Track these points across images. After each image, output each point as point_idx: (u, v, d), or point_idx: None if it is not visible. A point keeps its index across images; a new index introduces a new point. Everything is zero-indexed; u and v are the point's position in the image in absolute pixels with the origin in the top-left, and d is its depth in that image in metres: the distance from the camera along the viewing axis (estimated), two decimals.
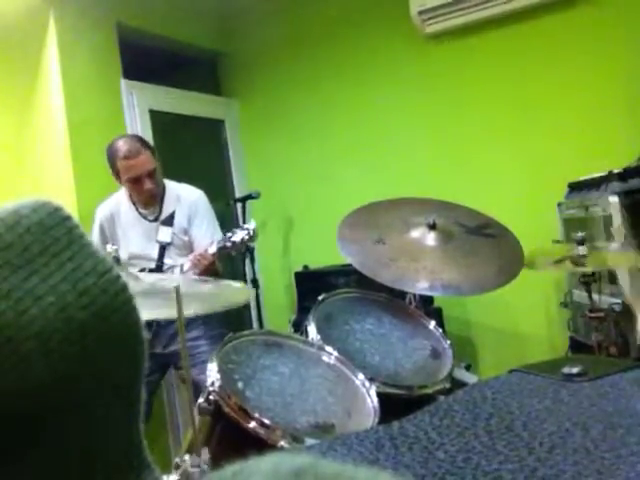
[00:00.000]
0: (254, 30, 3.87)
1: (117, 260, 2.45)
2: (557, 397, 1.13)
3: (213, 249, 2.34)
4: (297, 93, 3.78)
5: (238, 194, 3.75)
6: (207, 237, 2.51)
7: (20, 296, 0.38)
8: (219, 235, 2.53)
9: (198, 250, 2.43)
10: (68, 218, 0.43)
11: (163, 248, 2.53)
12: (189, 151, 3.83)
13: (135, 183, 2.45)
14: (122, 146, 2.42)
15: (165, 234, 2.53)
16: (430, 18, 3.19)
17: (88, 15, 3.10)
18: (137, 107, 3.30)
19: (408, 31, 3.31)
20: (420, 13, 3.19)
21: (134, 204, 2.57)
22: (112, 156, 2.44)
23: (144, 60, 3.43)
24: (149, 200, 2.54)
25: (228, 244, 2.31)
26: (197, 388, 2.42)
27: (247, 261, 3.41)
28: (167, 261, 2.53)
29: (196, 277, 2.27)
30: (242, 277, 3.43)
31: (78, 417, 0.40)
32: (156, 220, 2.56)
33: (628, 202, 2.20)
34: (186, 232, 2.55)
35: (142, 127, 3.31)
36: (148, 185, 2.44)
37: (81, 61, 3.07)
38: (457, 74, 3.29)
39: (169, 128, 3.64)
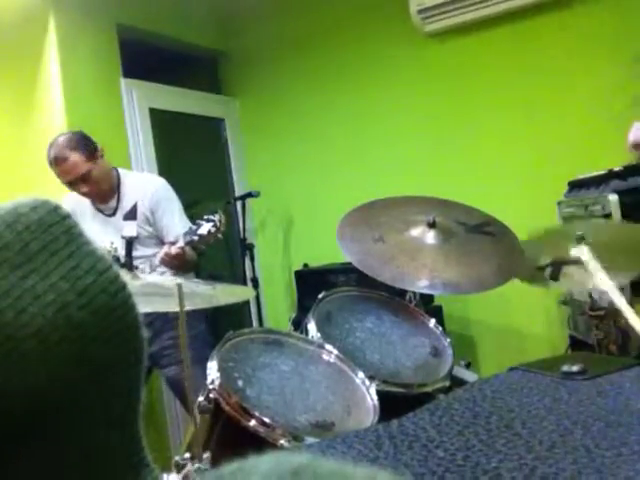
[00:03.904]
0: (254, 29, 3.87)
1: (117, 259, 2.44)
2: (557, 395, 1.13)
3: (180, 244, 2.24)
4: (297, 92, 3.77)
5: (238, 193, 3.75)
6: (178, 225, 2.41)
7: (19, 294, 0.38)
8: (186, 222, 2.44)
9: (166, 245, 2.33)
10: (67, 217, 0.43)
11: (130, 243, 2.42)
12: (189, 150, 3.83)
13: (70, 187, 2.38)
14: (50, 151, 2.34)
15: (130, 228, 2.42)
16: (429, 17, 3.19)
17: (88, 15, 3.10)
18: (137, 106, 3.30)
19: (407, 30, 3.31)
20: (419, 12, 3.18)
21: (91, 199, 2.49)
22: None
23: (144, 59, 3.42)
24: (96, 199, 2.46)
25: (195, 238, 2.22)
26: (176, 387, 2.42)
27: (247, 259, 3.42)
28: (135, 254, 2.43)
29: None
30: (242, 276, 3.43)
31: (77, 416, 0.40)
32: (113, 215, 2.47)
33: (628, 201, 2.20)
34: (150, 223, 2.45)
35: (142, 126, 3.31)
36: (82, 189, 2.37)
37: (81, 61, 3.07)
38: (457, 73, 3.29)
39: (169, 127, 3.63)
